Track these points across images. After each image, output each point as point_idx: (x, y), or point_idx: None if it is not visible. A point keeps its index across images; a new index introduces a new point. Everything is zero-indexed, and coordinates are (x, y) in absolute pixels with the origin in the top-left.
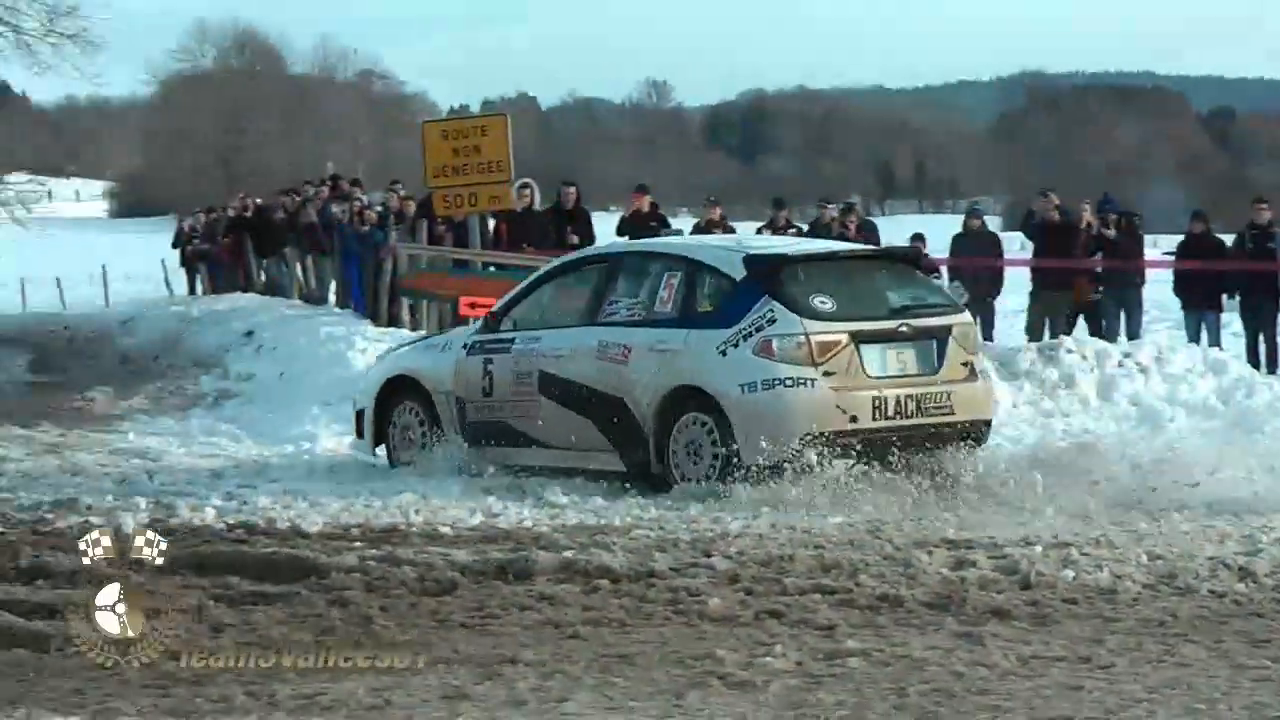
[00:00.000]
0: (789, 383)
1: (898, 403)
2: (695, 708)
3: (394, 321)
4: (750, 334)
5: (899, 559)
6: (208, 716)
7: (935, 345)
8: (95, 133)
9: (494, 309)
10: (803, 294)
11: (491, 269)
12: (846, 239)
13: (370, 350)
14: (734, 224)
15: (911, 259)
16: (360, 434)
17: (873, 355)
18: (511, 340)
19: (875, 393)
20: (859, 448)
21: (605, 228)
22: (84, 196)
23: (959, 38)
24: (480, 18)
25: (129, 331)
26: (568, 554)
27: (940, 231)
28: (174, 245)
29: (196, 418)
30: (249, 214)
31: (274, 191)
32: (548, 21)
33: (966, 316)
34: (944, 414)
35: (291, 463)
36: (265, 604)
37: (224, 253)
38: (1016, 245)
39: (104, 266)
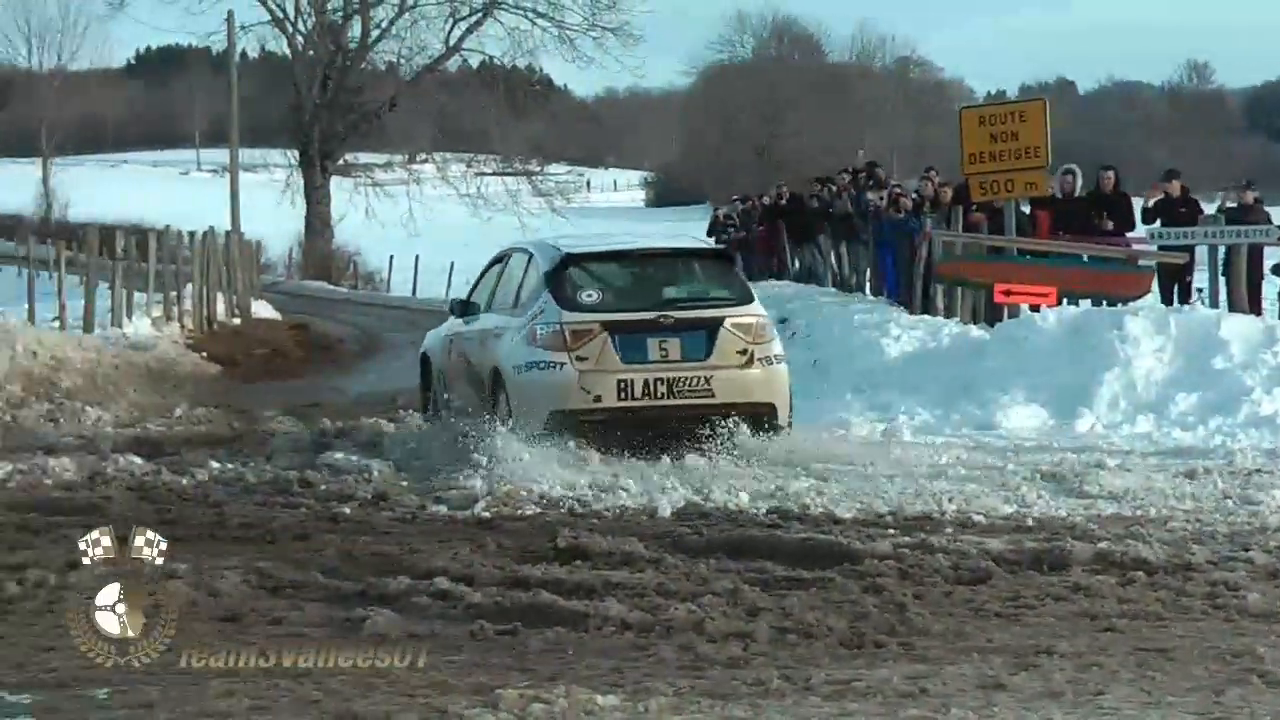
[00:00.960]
0: (542, 366)
1: (645, 385)
2: (1234, 705)
3: (928, 309)
4: (527, 323)
5: None
6: (744, 699)
7: (705, 335)
8: (634, 124)
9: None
10: (573, 289)
11: (1027, 256)
12: None
13: (904, 338)
14: (1270, 209)
15: (721, 256)
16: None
17: (629, 343)
18: (460, 328)
19: (621, 376)
20: (603, 423)
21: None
22: (621, 186)
23: None
24: (1021, 2)
25: None
26: (1102, 545)
27: None
28: (708, 234)
29: None
30: (784, 202)
31: (807, 179)
32: (1089, 5)
33: (751, 311)
34: (701, 397)
35: (824, 449)
36: (799, 589)
37: (759, 241)
38: None
39: None
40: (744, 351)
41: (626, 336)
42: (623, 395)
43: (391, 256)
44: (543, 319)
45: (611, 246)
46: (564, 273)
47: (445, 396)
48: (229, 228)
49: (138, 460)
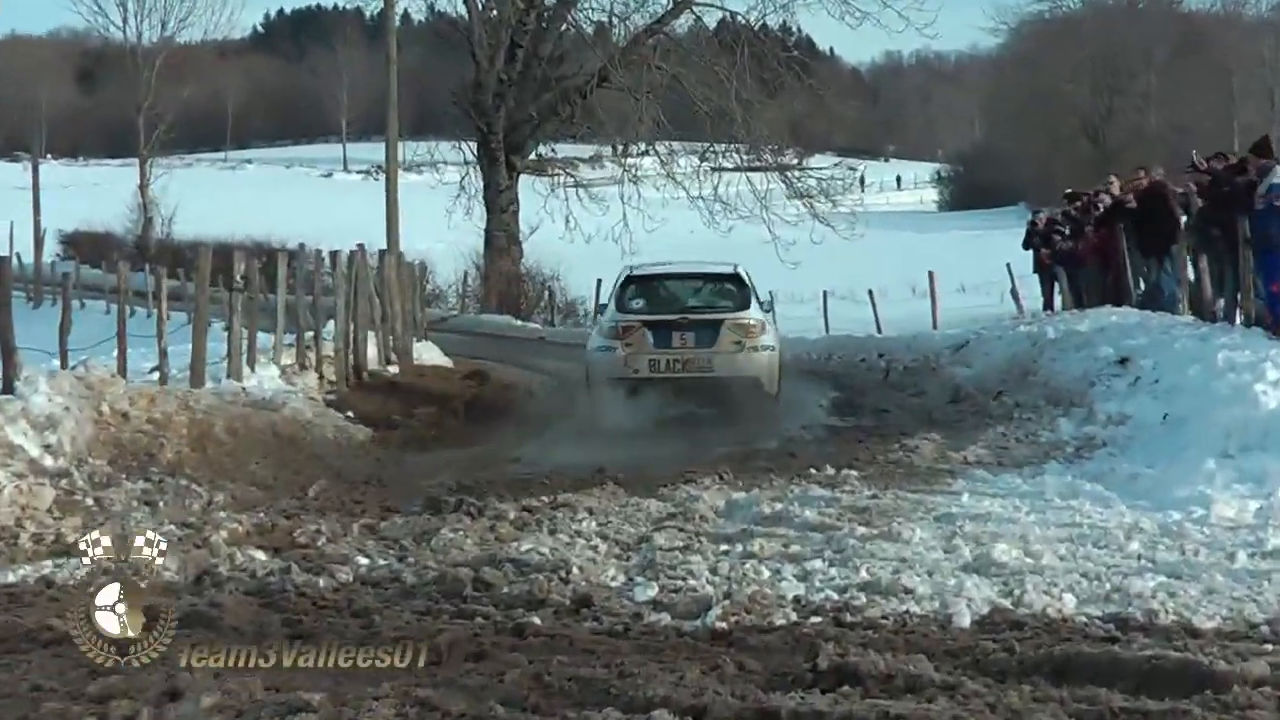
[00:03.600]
0: (604, 349)
1: (667, 363)
2: None
3: None
4: (603, 320)
5: None
6: None
7: (712, 331)
8: (922, 101)
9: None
10: (627, 298)
11: None
12: None
13: None
14: None
15: (729, 277)
16: None
17: (660, 335)
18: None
19: (652, 356)
20: (639, 386)
21: None
22: (905, 184)
23: None
24: None
25: (962, 360)
26: None
27: None
28: (1025, 246)
29: (1052, 474)
30: (1130, 203)
31: (1175, 168)
32: None
33: (745, 316)
34: (705, 372)
35: (1178, 535)
36: None
37: (1091, 251)
38: None
39: (930, 274)
40: (738, 342)
41: (658, 331)
42: (652, 369)
43: (599, 281)
44: (607, 318)
45: (658, 270)
46: (625, 288)
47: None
48: (384, 246)
49: (260, 556)
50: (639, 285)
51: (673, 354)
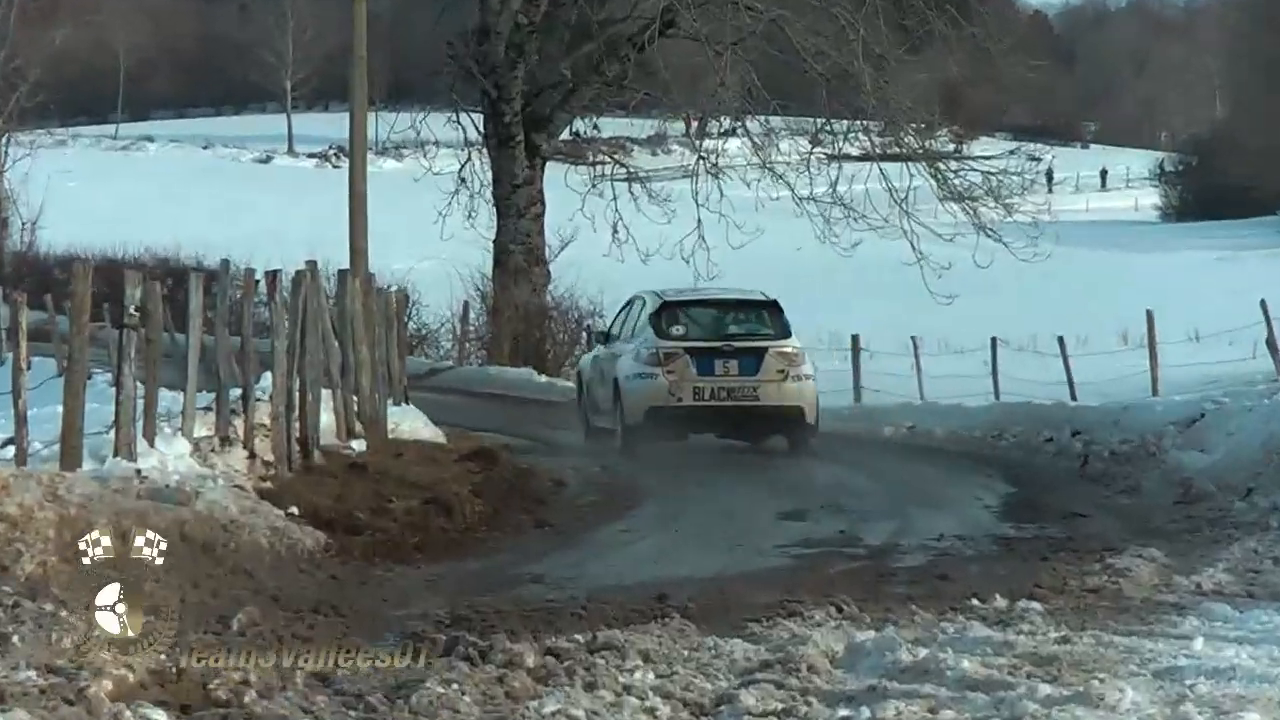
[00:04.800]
0: (644, 376)
1: (712, 391)
2: None
3: None
4: (637, 347)
5: None
6: None
7: (755, 359)
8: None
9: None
10: (667, 324)
11: None
12: None
13: None
14: None
15: (767, 304)
16: None
17: (703, 362)
18: (601, 351)
19: (696, 384)
20: (685, 416)
21: None
22: (1113, 180)
23: None
24: None
25: (1195, 441)
26: None
27: None
28: None
29: None
30: None
31: None
32: None
33: (788, 344)
34: (750, 400)
35: None
36: None
37: None
38: None
39: (1149, 315)
40: (782, 371)
41: (701, 358)
42: (696, 397)
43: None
44: (645, 345)
45: (692, 296)
46: (661, 314)
47: (587, 398)
48: (346, 264)
49: (159, 717)
50: (676, 311)
51: (717, 381)
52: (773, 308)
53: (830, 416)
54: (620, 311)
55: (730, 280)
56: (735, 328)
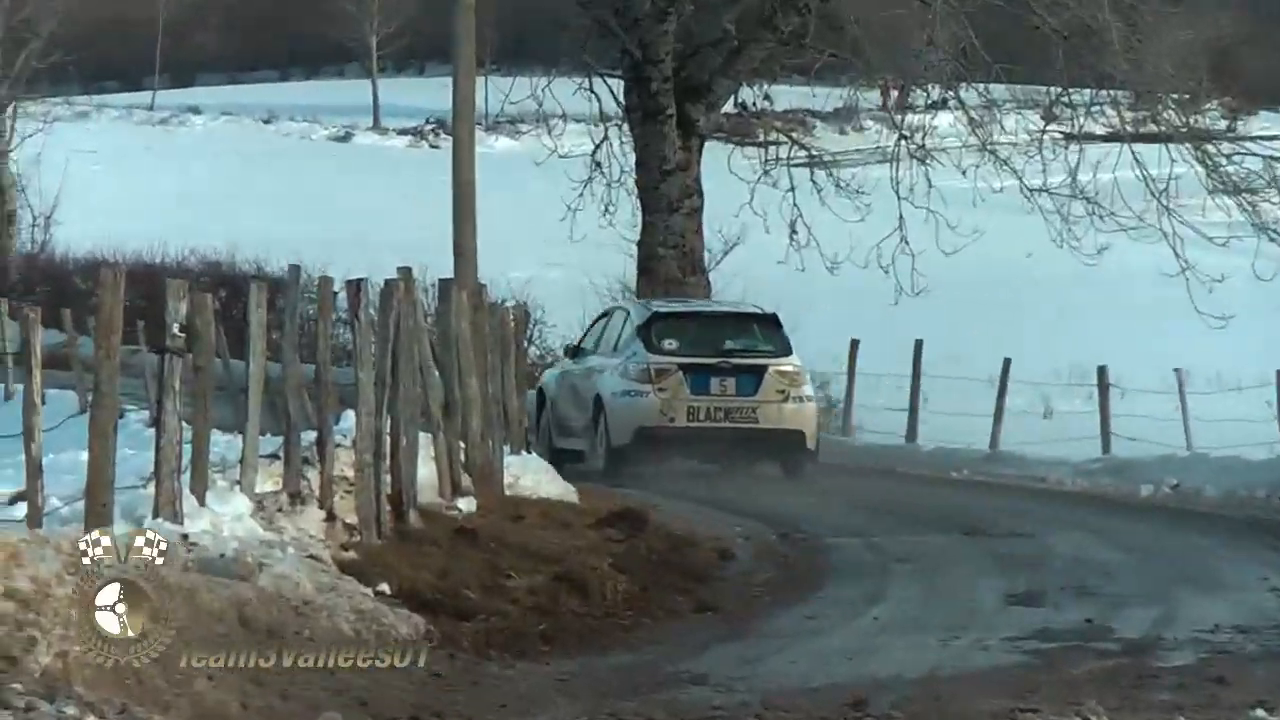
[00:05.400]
0: (632, 394)
1: (708, 411)
2: None
3: None
4: (623, 362)
5: None
6: None
7: (755, 377)
8: None
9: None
10: (658, 338)
11: None
12: None
13: None
14: None
15: (766, 318)
16: None
17: (698, 380)
18: (571, 366)
19: (690, 403)
20: (677, 438)
21: None
22: None
23: None
24: None
25: None
26: None
27: None
28: None
29: None
30: None
31: None
32: None
33: (789, 362)
34: (749, 422)
35: None
36: None
37: None
38: None
39: None
40: (782, 391)
41: (696, 375)
42: (691, 418)
43: (855, 343)
44: (634, 359)
45: (686, 307)
46: (652, 325)
47: (551, 417)
48: (449, 272)
49: None
50: (667, 322)
51: (713, 401)
52: (771, 322)
53: (1072, 472)
54: (595, 323)
55: (946, 295)
56: (732, 343)
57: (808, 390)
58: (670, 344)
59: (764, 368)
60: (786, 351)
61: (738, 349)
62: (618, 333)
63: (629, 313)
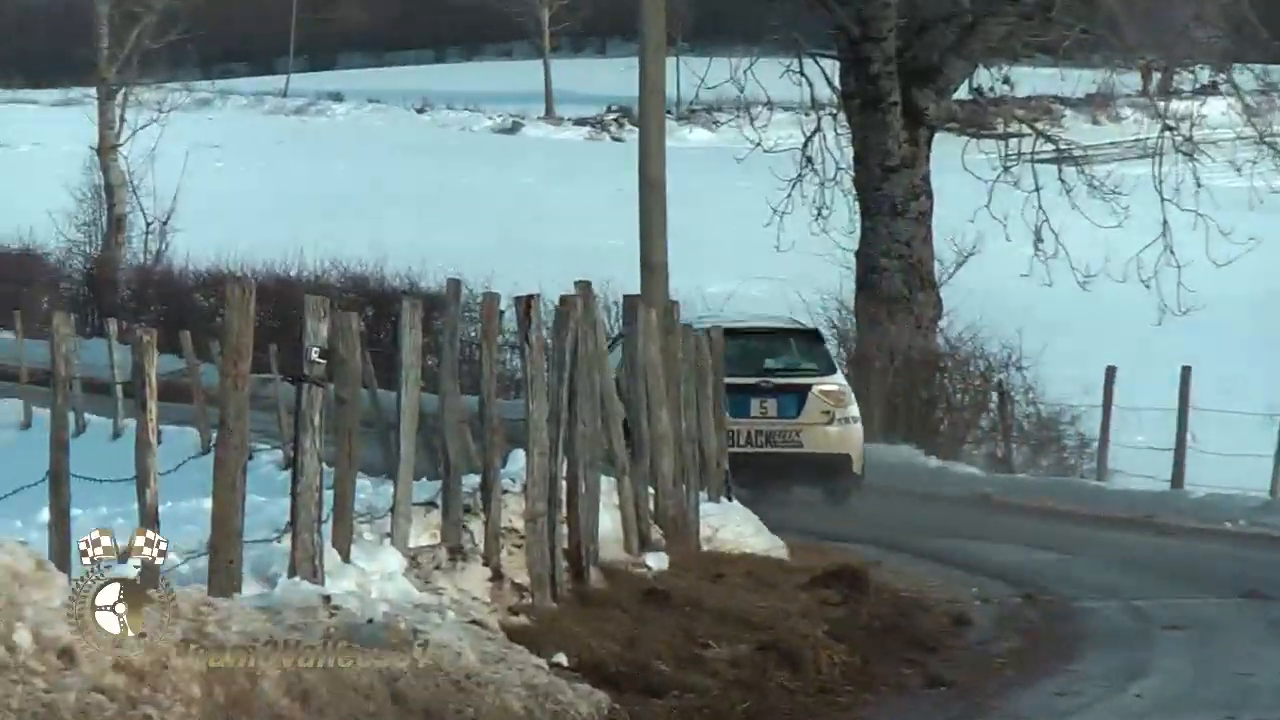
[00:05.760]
0: None
1: (748, 436)
2: None
3: None
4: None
5: None
6: None
7: (797, 398)
8: None
9: None
10: None
11: None
12: None
13: None
14: None
15: (807, 334)
16: None
17: (737, 402)
18: None
19: (730, 427)
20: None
21: None
22: None
23: None
24: None
25: None
26: None
27: None
28: None
29: None
30: None
31: None
32: None
33: (833, 381)
34: (792, 446)
35: None
36: None
37: None
38: None
39: None
40: (827, 413)
41: (735, 397)
42: (731, 443)
43: (1111, 370)
44: None
45: (724, 323)
46: None
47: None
48: (635, 288)
49: None
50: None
51: (754, 424)
52: (813, 338)
53: None
54: (611, 346)
55: (1219, 315)
56: (773, 362)
57: (853, 411)
58: None
59: (807, 388)
60: (830, 370)
61: (778, 368)
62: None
63: None
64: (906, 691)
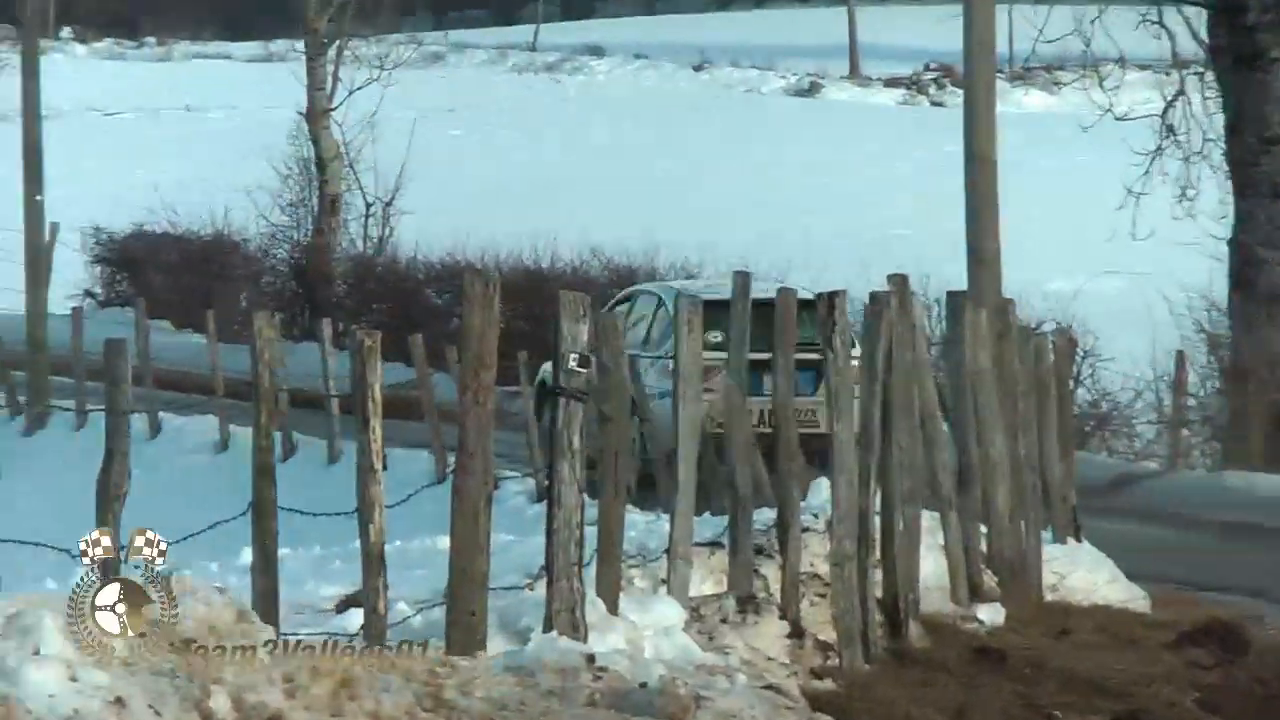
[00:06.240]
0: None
1: (760, 414)
2: None
3: None
4: (663, 357)
5: None
6: None
7: (813, 374)
8: None
9: None
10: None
11: None
12: None
13: None
14: None
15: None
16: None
17: (750, 379)
18: None
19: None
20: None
21: None
22: None
23: None
24: None
25: None
26: None
27: None
28: None
29: None
30: None
31: None
32: None
33: (851, 355)
34: (809, 426)
35: None
36: None
37: None
38: None
39: None
40: None
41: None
42: None
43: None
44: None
45: (728, 295)
46: None
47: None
48: (962, 284)
49: None
50: (709, 312)
51: (767, 402)
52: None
53: None
54: (614, 307)
55: None
56: None
57: None
58: (714, 336)
59: (824, 363)
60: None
61: (798, 341)
62: (648, 323)
63: (659, 299)
64: None
